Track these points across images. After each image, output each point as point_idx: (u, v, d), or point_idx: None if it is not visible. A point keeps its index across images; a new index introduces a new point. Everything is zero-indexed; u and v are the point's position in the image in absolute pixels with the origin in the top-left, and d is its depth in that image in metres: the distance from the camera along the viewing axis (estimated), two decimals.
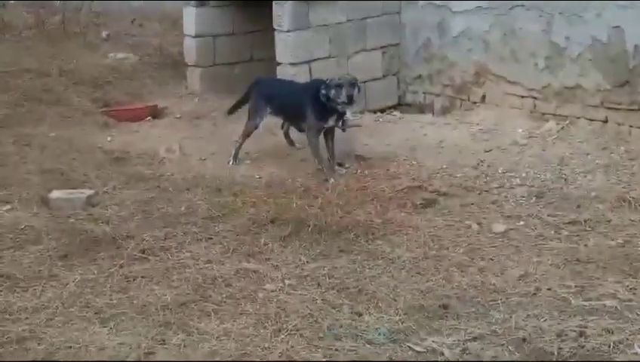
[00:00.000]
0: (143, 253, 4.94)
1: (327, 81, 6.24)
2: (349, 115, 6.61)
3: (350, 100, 6.18)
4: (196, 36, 8.30)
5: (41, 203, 5.63)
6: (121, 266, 4.76)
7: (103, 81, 8.23)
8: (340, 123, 6.38)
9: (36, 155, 6.44)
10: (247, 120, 6.70)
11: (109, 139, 7.07)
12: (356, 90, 6.28)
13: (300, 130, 6.60)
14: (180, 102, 8.13)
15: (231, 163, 6.59)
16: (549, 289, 4.52)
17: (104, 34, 9.74)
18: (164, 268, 4.76)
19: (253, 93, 6.75)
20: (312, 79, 6.96)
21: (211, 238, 5.17)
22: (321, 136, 6.42)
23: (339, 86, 6.16)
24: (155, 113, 7.85)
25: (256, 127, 6.66)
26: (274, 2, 7.33)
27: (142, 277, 4.66)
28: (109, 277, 4.65)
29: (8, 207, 5.58)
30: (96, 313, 4.25)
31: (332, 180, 6.13)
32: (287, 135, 6.91)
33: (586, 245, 5.08)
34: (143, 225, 5.32)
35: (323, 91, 6.20)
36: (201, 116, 7.76)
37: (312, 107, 6.29)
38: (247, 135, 6.67)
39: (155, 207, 5.65)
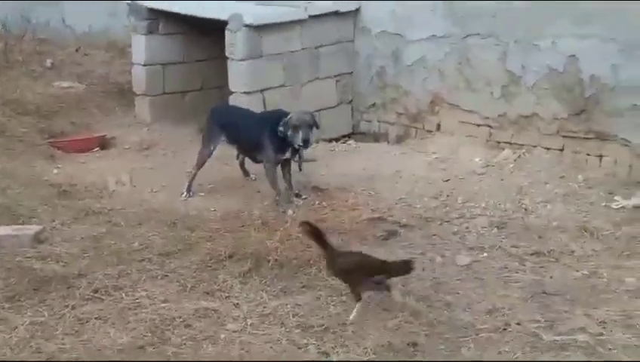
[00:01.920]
0: (96, 292, 4.71)
1: (286, 119, 6.09)
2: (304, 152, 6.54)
3: (306, 144, 6.08)
4: (145, 65, 8.10)
5: None
6: (73, 307, 4.52)
7: (49, 111, 7.96)
8: (297, 157, 6.25)
9: None
10: (200, 148, 6.51)
11: (55, 171, 6.82)
12: (313, 130, 6.15)
13: (255, 160, 6.45)
14: (129, 132, 7.90)
15: (184, 195, 6.39)
16: (518, 323, 4.42)
17: (48, 62, 9.45)
18: (118, 309, 4.53)
19: (207, 120, 6.57)
20: (271, 110, 6.80)
21: (167, 276, 4.96)
22: (279, 168, 6.28)
23: (296, 128, 6.04)
24: (104, 144, 7.61)
25: (209, 155, 6.48)
26: (227, 31, 7.18)
27: (96, 318, 4.43)
28: (60, 319, 4.42)
29: None
30: (48, 359, 4.01)
31: (290, 212, 5.98)
32: (242, 165, 6.74)
33: (551, 277, 5.02)
34: (94, 263, 5.08)
35: (281, 128, 6.06)
36: (151, 146, 7.54)
37: (270, 139, 6.15)
38: (201, 164, 6.49)
39: (107, 243, 5.42)
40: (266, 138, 6.15)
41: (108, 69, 9.18)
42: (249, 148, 6.42)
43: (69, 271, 4.91)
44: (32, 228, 5.46)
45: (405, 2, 7.46)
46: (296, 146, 6.12)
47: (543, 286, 4.87)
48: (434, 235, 5.66)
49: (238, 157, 6.72)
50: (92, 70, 9.32)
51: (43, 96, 8.26)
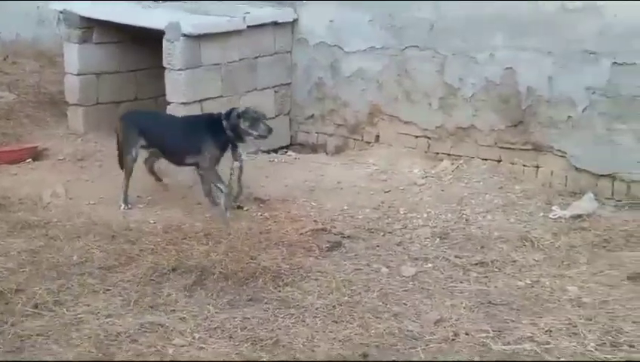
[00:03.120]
0: (36, 307, 4.57)
1: (239, 111, 6.17)
2: (244, 155, 6.50)
3: (270, 132, 6.20)
4: (79, 74, 7.91)
5: None
6: (13, 324, 4.38)
7: None
8: (238, 155, 6.27)
9: None
10: (124, 157, 6.40)
11: None
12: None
13: (182, 164, 6.38)
14: (62, 142, 7.69)
15: (122, 207, 6.25)
16: (466, 334, 4.44)
17: None
18: (60, 324, 4.41)
19: (121, 129, 6.45)
20: (194, 115, 6.81)
21: (109, 289, 4.84)
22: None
23: (255, 120, 6.13)
24: (36, 155, 7.38)
25: (134, 161, 6.38)
26: (165, 40, 7.06)
27: (37, 335, 4.30)
28: (0, 335, 4.25)
29: None
30: None
31: (228, 215, 5.98)
32: (152, 170, 6.61)
33: (495, 286, 5.07)
34: (33, 278, 4.93)
35: (236, 121, 6.09)
36: (85, 157, 7.35)
37: (212, 138, 6.15)
38: (129, 172, 6.36)
39: (45, 256, 5.25)
40: (206, 138, 6.14)
41: (38, 79, 8.93)
42: (177, 151, 6.32)
43: (6, 287, 4.75)
44: None
45: (344, 14, 7.47)
46: (254, 138, 6.25)
47: (488, 296, 4.91)
48: (378, 246, 5.66)
49: (146, 162, 6.56)
50: (22, 80, 9.06)
51: None
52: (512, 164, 6.81)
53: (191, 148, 6.23)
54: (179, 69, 7.07)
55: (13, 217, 5.90)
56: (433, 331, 4.48)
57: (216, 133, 6.15)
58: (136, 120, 6.53)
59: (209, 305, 4.68)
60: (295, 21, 7.79)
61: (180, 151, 6.32)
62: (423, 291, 4.98)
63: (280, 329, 4.43)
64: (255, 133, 6.16)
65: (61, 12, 7.99)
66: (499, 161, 6.88)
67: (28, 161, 7.27)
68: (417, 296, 4.92)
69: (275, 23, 7.71)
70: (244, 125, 6.12)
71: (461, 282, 5.13)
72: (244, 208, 6.29)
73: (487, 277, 5.20)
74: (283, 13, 7.75)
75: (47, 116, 8.24)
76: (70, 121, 8.05)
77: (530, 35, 6.53)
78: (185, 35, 7.00)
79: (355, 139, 7.72)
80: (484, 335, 4.43)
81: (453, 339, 4.38)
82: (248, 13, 7.51)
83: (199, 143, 6.20)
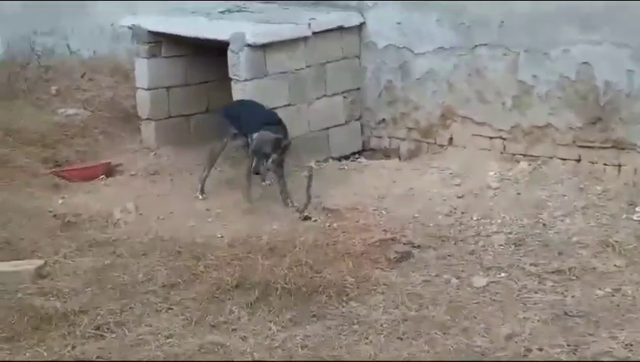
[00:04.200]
0: (98, 329, 4.54)
1: (250, 140, 6.21)
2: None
3: (256, 173, 6.21)
4: (149, 88, 7.93)
5: None
6: (74, 347, 4.35)
7: (53, 140, 7.81)
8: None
9: None
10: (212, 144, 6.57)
11: (60, 201, 6.64)
12: (273, 156, 6.19)
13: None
14: (135, 157, 7.73)
15: (199, 196, 6.45)
16: (540, 349, 4.21)
17: (53, 89, 9.32)
18: (121, 346, 4.36)
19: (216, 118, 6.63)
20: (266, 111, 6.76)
21: (172, 308, 4.79)
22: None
23: (253, 153, 6.17)
24: (109, 171, 7.45)
25: (222, 149, 6.56)
26: (229, 51, 7.01)
27: (97, 357, 4.26)
28: (60, 359, 4.23)
29: None
30: None
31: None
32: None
33: (573, 296, 4.81)
34: (97, 298, 4.91)
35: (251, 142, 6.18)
36: (157, 172, 7.36)
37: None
38: (213, 161, 6.61)
39: (111, 275, 5.24)
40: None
41: (112, 94, 9.01)
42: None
43: (70, 308, 4.74)
44: (34, 263, 5.30)
45: (411, 15, 7.27)
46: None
47: (564, 307, 4.65)
48: (449, 255, 5.45)
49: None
50: (97, 95, 9.17)
51: (47, 124, 8.13)
52: (593, 163, 6.48)
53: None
54: (244, 80, 7.00)
55: (82, 235, 5.92)
56: (504, 346, 4.26)
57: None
58: (229, 108, 6.70)
59: (271, 322, 4.57)
60: (362, 25, 7.62)
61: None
62: (494, 303, 4.76)
63: (342, 347, 4.29)
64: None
65: (130, 27, 8.04)
66: (578, 161, 6.56)
67: (101, 177, 7.33)
68: (488, 308, 4.70)
69: (342, 28, 7.56)
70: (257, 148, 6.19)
71: (536, 292, 4.88)
72: (313, 219, 6.17)
73: (563, 286, 4.94)
74: (349, 18, 7.59)
75: (121, 131, 8.29)
76: (143, 136, 8.08)
77: (604, 28, 6.20)
78: (249, 45, 6.93)
79: (428, 143, 7.50)
80: (558, 350, 4.20)
81: (524, 355, 4.16)
82: (314, 19, 7.39)
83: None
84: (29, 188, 6.83)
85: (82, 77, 9.93)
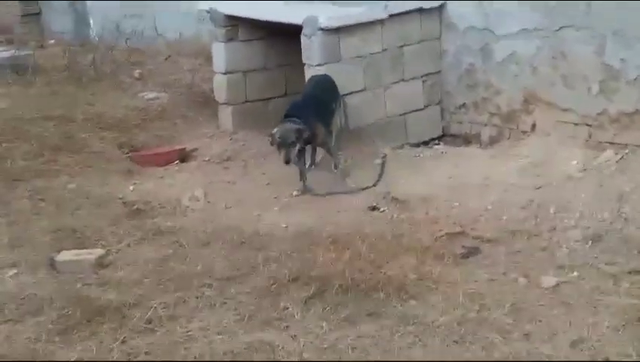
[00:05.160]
0: (150, 323, 4.47)
1: (273, 132, 6.26)
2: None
3: (287, 163, 6.16)
4: (226, 73, 7.86)
5: (49, 266, 5.20)
6: (124, 341, 4.30)
7: (131, 124, 7.84)
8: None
9: (51, 211, 6.03)
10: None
11: (131, 188, 6.64)
12: (297, 146, 6.21)
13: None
14: (211, 142, 7.68)
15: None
16: (606, 359, 3.90)
17: (136, 73, 9.38)
18: (170, 342, 4.28)
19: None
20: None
21: (226, 303, 4.68)
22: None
23: (278, 146, 6.21)
24: (184, 156, 7.42)
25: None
26: (302, 35, 6.86)
27: (145, 353, 4.20)
28: (108, 354, 4.20)
29: (14, 271, 5.17)
30: None
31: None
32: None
33: None
34: (153, 290, 4.85)
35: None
36: (231, 158, 7.29)
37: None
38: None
39: (170, 266, 5.18)
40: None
41: (193, 77, 8.97)
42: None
43: (125, 300, 4.69)
44: (95, 253, 5.29)
45: None
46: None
47: (638, 313, 4.32)
48: (519, 251, 5.17)
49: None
50: (179, 79, 9.17)
51: (127, 108, 8.16)
52: None
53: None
54: (317, 64, 6.84)
55: (148, 224, 5.88)
56: (567, 354, 3.98)
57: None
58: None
59: (324, 321, 4.41)
60: (442, 6, 7.34)
61: None
62: (562, 305, 4.46)
63: (394, 349, 4.09)
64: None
65: (207, 11, 7.97)
66: None
67: (176, 162, 7.31)
68: (555, 311, 4.41)
69: (421, 10, 7.29)
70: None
71: (609, 294, 4.56)
72: (381, 209, 5.98)
73: None
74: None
75: (199, 115, 8.26)
76: (220, 120, 8.03)
77: None
78: (322, 29, 6.76)
79: (510, 129, 7.17)
80: (627, 359, 3.88)
81: None
82: (391, 0, 7.14)
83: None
84: (103, 173, 6.86)
85: (166, 60, 9.98)
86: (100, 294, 4.80)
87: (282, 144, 6.16)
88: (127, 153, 7.38)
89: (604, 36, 6.32)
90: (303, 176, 6.44)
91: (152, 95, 8.68)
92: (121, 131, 7.69)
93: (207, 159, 7.31)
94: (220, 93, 7.97)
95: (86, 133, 7.50)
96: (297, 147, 6.19)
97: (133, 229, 5.76)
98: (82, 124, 7.66)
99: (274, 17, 7.36)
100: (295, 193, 6.36)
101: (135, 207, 6.19)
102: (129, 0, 10.71)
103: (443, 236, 5.38)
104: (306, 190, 6.37)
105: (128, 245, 5.53)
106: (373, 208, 5.97)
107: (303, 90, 6.71)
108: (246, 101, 7.97)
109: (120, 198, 6.37)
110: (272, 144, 6.29)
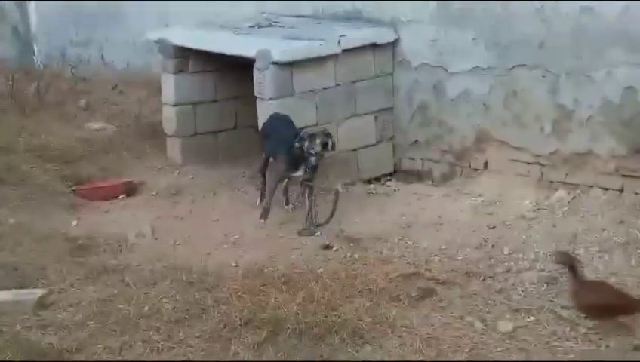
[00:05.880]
0: None
1: (301, 134, 6.15)
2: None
3: (325, 147, 6.07)
4: (175, 105, 7.70)
5: None
6: None
7: (75, 156, 7.60)
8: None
9: None
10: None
11: (74, 223, 6.42)
12: (330, 141, 6.14)
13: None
14: (159, 175, 7.49)
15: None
16: None
17: (82, 102, 9.15)
18: None
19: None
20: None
21: (174, 348, 4.50)
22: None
23: (312, 136, 6.10)
24: (130, 190, 7.21)
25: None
26: (255, 69, 6.74)
27: None
28: None
29: None
30: None
31: (262, 221, 6.21)
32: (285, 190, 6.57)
33: (607, 346, 4.41)
34: (97, 333, 4.64)
35: (297, 144, 6.05)
36: (180, 192, 7.11)
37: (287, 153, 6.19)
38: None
39: (115, 307, 4.96)
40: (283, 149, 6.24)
41: (141, 109, 8.76)
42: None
43: (67, 344, 4.48)
44: (37, 292, 5.06)
45: (446, 32, 6.92)
46: (314, 160, 6.12)
47: (598, 358, 4.26)
48: (475, 294, 5.08)
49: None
50: (126, 109, 8.97)
51: (71, 139, 7.92)
52: (637, 194, 6.06)
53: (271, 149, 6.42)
54: (269, 98, 6.72)
55: (92, 261, 5.66)
56: None
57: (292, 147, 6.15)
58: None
59: None
60: (396, 42, 7.29)
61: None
62: (520, 351, 4.39)
63: None
64: (311, 150, 6.07)
65: (156, 42, 7.82)
66: (621, 191, 6.15)
67: (121, 196, 7.11)
68: (513, 357, 4.32)
69: (375, 45, 7.24)
70: (302, 145, 6.08)
71: (567, 340, 4.50)
72: (334, 248, 5.85)
73: (598, 333, 4.54)
74: (383, 34, 7.26)
75: (147, 148, 8.05)
76: (169, 153, 7.86)
77: None
78: (275, 63, 6.65)
79: (462, 167, 7.14)
80: None
81: None
82: (344, 36, 7.07)
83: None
84: (45, 207, 6.62)
85: (113, 89, 9.77)
86: (40, 338, 4.58)
87: (320, 133, 6.14)
88: (72, 186, 7.14)
89: (558, 76, 6.33)
90: (310, 212, 6.23)
91: (98, 126, 8.47)
92: (66, 163, 7.45)
93: (154, 193, 7.12)
94: (169, 125, 7.80)
95: (28, 164, 7.25)
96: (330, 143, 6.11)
97: (77, 267, 5.54)
98: (25, 155, 7.40)
99: (226, 49, 7.22)
100: (262, 221, 6.26)
101: (79, 242, 5.98)
102: (75, 26, 10.50)
103: (397, 277, 5.26)
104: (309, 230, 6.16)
105: (72, 284, 5.30)
106: (326, 247, 5.85)
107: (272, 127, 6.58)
108: (195, 133, 7.81)
109: (63, 233, 6.14)
110: (301, 144, 6.12)
